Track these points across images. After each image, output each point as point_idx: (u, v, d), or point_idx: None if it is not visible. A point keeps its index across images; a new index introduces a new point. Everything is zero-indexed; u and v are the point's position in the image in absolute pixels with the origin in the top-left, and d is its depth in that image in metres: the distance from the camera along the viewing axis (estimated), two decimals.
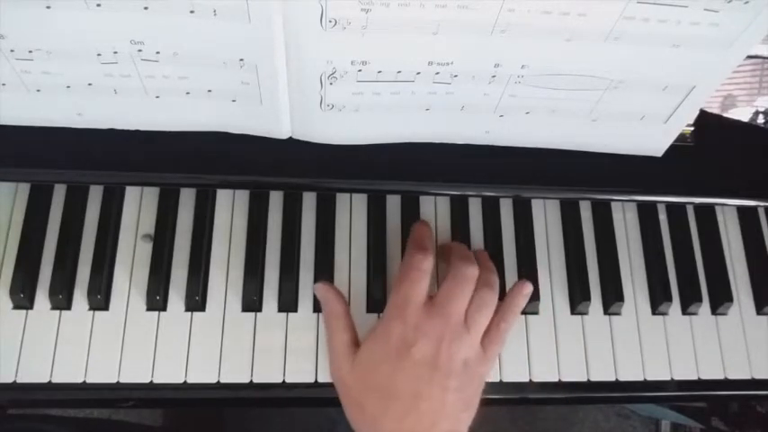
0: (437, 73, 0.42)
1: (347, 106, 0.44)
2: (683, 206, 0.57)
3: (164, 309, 0.49)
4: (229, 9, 0.37)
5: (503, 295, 0.50)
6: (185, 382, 0.48)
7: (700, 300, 0.54)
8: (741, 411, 0.71)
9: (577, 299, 0.53)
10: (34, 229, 0.50)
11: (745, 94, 0.56)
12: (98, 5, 0.37)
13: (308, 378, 0.49)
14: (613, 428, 1.13)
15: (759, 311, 0.55)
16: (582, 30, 0.39)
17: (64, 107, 0.45)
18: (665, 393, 0.53)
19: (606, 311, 0.53)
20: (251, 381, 0.48)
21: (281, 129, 0.46)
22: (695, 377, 0.52)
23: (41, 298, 0.49)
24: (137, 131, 0.47)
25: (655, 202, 0.56)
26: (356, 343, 0.48)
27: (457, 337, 0.45)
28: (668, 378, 0.52)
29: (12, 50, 0.40)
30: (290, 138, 0.48)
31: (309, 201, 0.53)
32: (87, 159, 0.47)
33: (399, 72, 0.42)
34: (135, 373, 0.48)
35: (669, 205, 0.57)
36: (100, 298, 0.48)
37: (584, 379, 0.51)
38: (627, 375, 0.52)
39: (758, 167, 0.54)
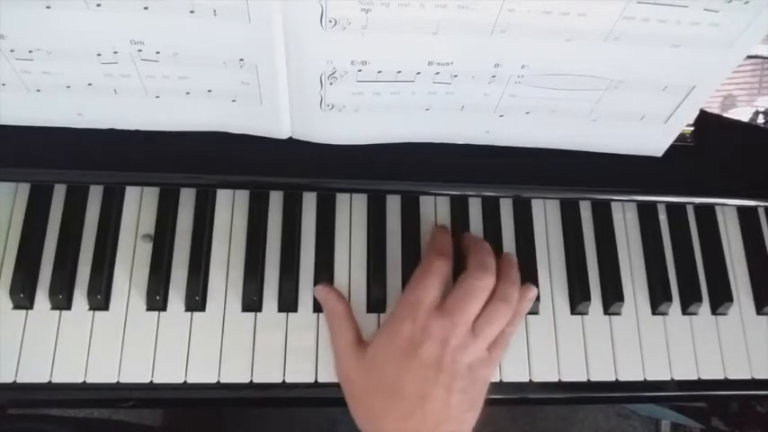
0: (437, 73, 0.42)
1: (347, 106, 0.44)
2: (683, 206, 0.57)
3: (164, 309, 0.49)
4: (229, 9, 0.37)
5: None
6: (185, 382, 0.48)
7: (700, 300, 0.54)
8: (741, 411, 0.71)
9: (577, 299, 0.53)
10: (34, 229, 0.50)
11: (745, 94, 0.56)
12: (98, 5, 0.37)
13: (308, 378, 0.49)
14: (613, 428, 1.13)
15: (759, 311, 0.55)
16: (582, 30, 0.39)
17: (64, 107, 0.45)
18: (665, 393, 0.53)
19: (606, 311, 0.53)
20: (251, 381, 0.48)
21: (281, 129, 0.46)
22: (695, 377, 0.52)
23: (41, 298, 0.49)
24: (137, 131, 0.47)
25: (655, 202, 0.56)
26: (360, 341, 0.48)
27: (463, 344, 0.45)
28: (668, 378, 0.52)
29: (12, 50, 0.40)
30: (290, 138, 0.48)
31: (309, 201, 0.53)
32: (87, 159, 0.47)
33: (399, 72, 0.42)
34: (135, 373, 0.48)
35: (669, 205, 0.57)
36: (100, 298, 0.48)
37: (584, 379, 0.51)
38: (627, 375, 0.52)
39: (758, 167, 0.54)
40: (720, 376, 0.53)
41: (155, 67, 0.41)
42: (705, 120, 0.52)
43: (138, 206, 0.52)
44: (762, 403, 0.68)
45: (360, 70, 0.41)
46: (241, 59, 0.41)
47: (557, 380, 0.51)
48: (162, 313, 0.49)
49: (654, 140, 0.50)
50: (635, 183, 0.52)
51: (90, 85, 0.43)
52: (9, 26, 0.38)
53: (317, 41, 0.39)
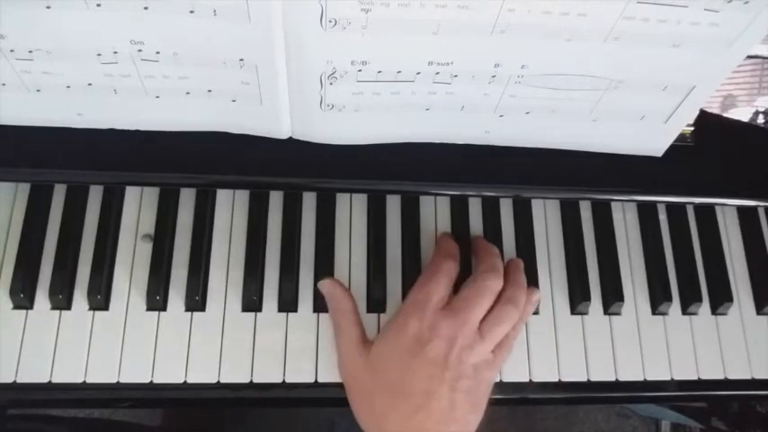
0: (437, 73, 0.42)
1: (347, 106, 0.44)
2: (683, 206, 0.57)
3: (164, 309, 0.49)
4: (229, 9, 0.37)
5: None
6: (185, 382, 0.48)
7: (700, 300, 0.54)
8: (741, 411, 0.71)
9: (577, 299, 0.53)
10: (34, 229, 0.50)
11: (745, 94, 0.56)
12: (98, 5, 0.37)
13: (308, 378, 0.49)
14: (613, 428, 1.13)
15: (759, 311, 0.55)
16: (582, 30, 0.39)
17: (64, 107, 0.45)
18: (665, 393, 0.53)
19: (606, 311, 0.53)
20: (251, 381, 0.48)
21: (281, 129, 0.46)
22: (695, 377, 0.52)
23: (41, 298, 0.49)
24: (137, 131, 0.47)
25: (655, 202, 0.56)
26: (364, 339, 0.48)
27: (469, 345, 0.45)
28: (668, 378, 0.52)
29: (12, 50, 0.40)
30: (290, 138, 0.48)
31: (309, 201, 0.53)
32: (87, 159, 0.47)
33: (399, 72, 0.42)
34: (135, 373, 0.48)
35: (669, 205, 0.57)
36: (100, 298, 0.48)
37: (585, 379, 0.51)
38: (627, 375, 0.52)
39: (758, 167, 0.54)
40: (720, 376, 0.53)
41: (155, 67, 0.41)
42: (705, 120, 0.52)
43: (138, 206, 0.52)
44: (762, 403, 0.68)
45: (360, 70, 0.41)
46: (241, 59, 0.41)
47: (557, 380, 0.51)
48: (162, 313, 0.49)
49: (654, 140, 0.50)
50: (635, 183, 0.52)
51: (90, 85, 0.43)
52: (9, 26, 0.38)
53: (317, 41, 0.39)
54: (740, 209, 0.58)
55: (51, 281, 0.49)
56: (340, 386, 0.48)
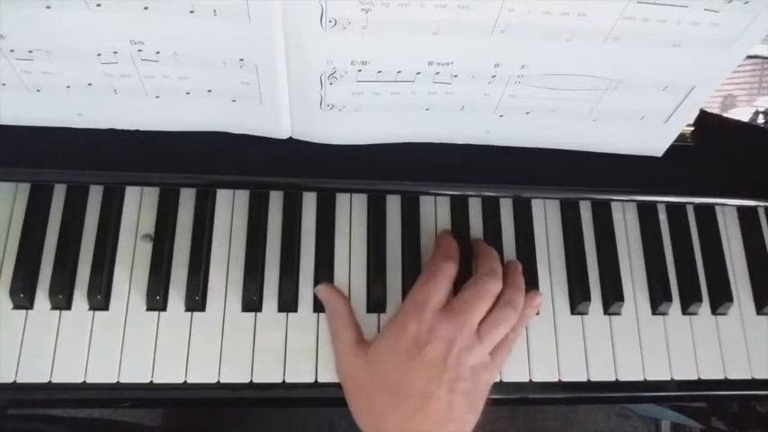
0: (437, 73, 0.42)
1: (347, 106, 0.44)
2: (683, 206, 0.57)
3: (164, 309, 0.49)
4: (229, 9, 0.37)
5: None
6: (185, 382, 0.48)
7: (700, 300, 0.54)
8: (741, 411, 0.71)
9: (577, 299, 0.53)
10: (34, 229, 0.50)
11: (745, 94, 0.56)
12: (98, 5, 0.37)
13: (308, 378, 0.49)
14: (613, 428, 1.13)
15: (759, 311, 0.55)
16: (582, 30, 0.39)
17: (64, 107, 0.45)
18: (665, 393, 0.53)
19: (606, 311, 0.53)
20: (251, 381, 0.48)
21: (281, 129, 0.46)
22: (695, 377, 0.52)
23: (41, 298, 0.49)
24: (137, 131, 0.47)
25: (655, 202, 0.56)
26: (361, 340, 0.48)
27: (467, 346, 0.45)
28: (668, 378, 0.52)
29: (12, 50, 0.40)
30: (290, 138, 0.48)
31: (309, 201, 0.53)
32: (87, 159, 0.47)
33: (399, 72, 0.42)
34: (135, 373, 0.48)
35: (669, 205, 0.57)
36: (100, 298, 0.48)
37: (585, 379, 0.51)
38: (627, 375, 0.52)
39: (758, 167, 0.54)
40: (720, 376, 0.53)
41: (155, 67, 0.41)
42: (705, 120, 0.52)
43: (138, 206, 0.52)
44: (762, 403, 0.68)
45: (360, 70, 0.41)
46: (241, 59, 0.41)
47: (557, 380, 0.51)
48: (162, 313, 0.49)
49: (654, 140, 0.50)
50: (635, 183, 0.52)
51: (90, 84, 0.43)
52: (9, 26, 0.38)
53: (316, 41, 0.39)
54: (740, 209, 0.58)
55: (51, 281, 0.49)
56: (340, 386, 0.48)
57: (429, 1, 0.36)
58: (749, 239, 0.57)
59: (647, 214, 0.56)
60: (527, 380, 0.51)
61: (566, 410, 1.10)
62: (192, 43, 0.40)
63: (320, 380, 0.49)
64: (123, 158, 0.47)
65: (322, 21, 0.37)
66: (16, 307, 0.48)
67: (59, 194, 0.52)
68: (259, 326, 0.50)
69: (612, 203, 0.56)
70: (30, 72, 0.41)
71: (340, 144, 0.48)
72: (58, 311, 0.49)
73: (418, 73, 0.42)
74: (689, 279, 0.55)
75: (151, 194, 0.52)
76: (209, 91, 0.44)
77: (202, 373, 0.48)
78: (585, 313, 0.53)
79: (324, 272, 0.51)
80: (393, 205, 0.54)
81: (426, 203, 0.55)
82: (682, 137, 0.50)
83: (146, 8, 0.37)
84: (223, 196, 0.53)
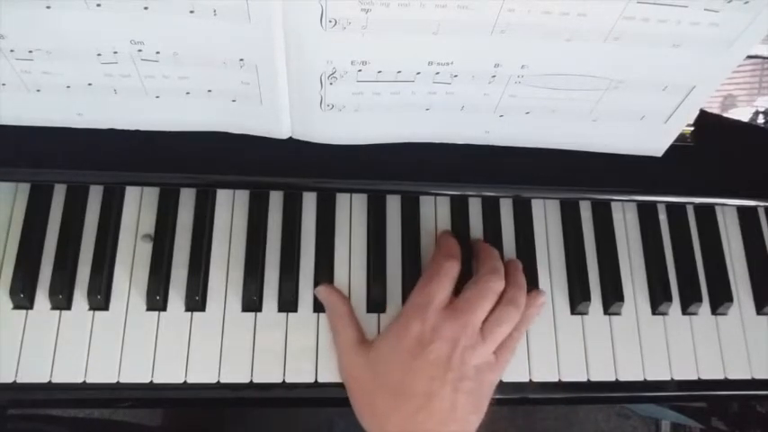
0: (437, 73, 0.42)
1: (347, 106, 0.44)
2: (683, 206, 0.57)
3: (164, 309, 0.49)
4: (229, 9, 0.37)
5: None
6: (185, 382, 0.48)
7: (700, 300, 0.54)
8: (741, 411, 0.71)
9: (577, 299, 0.53)
10: (34, 229, 0.50)
11: (745, 94, 0.56)
12: (98, 5, 0.37)
13: (308, 378, 0.49)
14: (613, 428, 1.13)
15: (759, 311, 0.55)
16: (582, 30, 0.39)
17: (64, 107, 0.45)
18: (665, 393, 0.53)
19: (606, 311, 0.53)
20: (251, 381, 0.48)
21: (281, 129, 0.46)
22: (695, 377, 0.52)
23: (41, 298, 0.49)
24: (137, 131, 0.47)
25: (655, 202, 0.56)
26: (363, 340, 0.48)
27: (471, 345, 0.45)
28: (668, 378, 0.52)
29: (12, 50, 0.40)
30: (290, 138, 0.48)
31: (309, 201, 0.53)
32: (87, 159, 0.47)
33: (399, 72, 0.42)
34: (135, 373, 0.48)
35: (669, 205, 0.57)
36: (100, 298, 0.48)
37: (585, 379, 0.51)
38: (627, 375, 0.52)
39: (758, 167, 0.54)
40: (720, 376, 0.53)
41: (155, 67, 0.41)
42: (705, 120, 0.52)
43: (138, 206, 0.52)
44: (762, 403, 0.68)
45: (360, 70, 0.41)
46: (241, 59, 0.41)
47: (557, 380, 0.51)
48: (162, 313, 0.49)
49: (654, 140, 0.50)
50: (635, 183, 0.52)
51: (90, 85, 0.43)
52: (9, 26, 0.38)
53: (317, 41, 0.39)
54: (740, 209, 0.58)
55: (51, 281, 0.49)
56: (340, 386, 0.48)
57: (429, 1, 0.36)
58: (749, 239, 0.57)
59: (647, 214, 0.56)
60: (527, 380, 0.51)
61: (566, 410, 1.10)
62: (191, 43, 0.40)
63: (320, 380, 0.49)
64: (123, 158, 0.47)
65: (322, 21, 0.37)
66: (16, 307, 0.48)
67: (59, 194, 0.52)
68: (259, 326, 0.50)
69: (612, 203, 0.56)
70: (30, 72, 0.41)
71: (340, 144, 0.48)
72: (58, 311, 0.49)
73: (418, 73, 0.42)
74: (689, 279, 0.55)
75: (151, 194, 0.52)
76: (209, 91, 0.44)
77: (202, 373, 0.48)
78: (585, 313, 0.53)
79: (324, 272, 0.51)
80: (393, 205, 0.54)
81: (426, 203, 0.55)
82: (682, 137, 0.50)
83: (146, 8, 0.37)
84: (223, 196, 0.53)
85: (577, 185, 0.52)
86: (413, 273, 0.52)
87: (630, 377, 0.52)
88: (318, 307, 0.50)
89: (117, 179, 0.49)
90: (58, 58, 0.40)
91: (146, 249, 0.51)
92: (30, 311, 0.48)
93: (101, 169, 0.47)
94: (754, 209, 0.58)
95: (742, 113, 0.56)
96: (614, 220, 0.56)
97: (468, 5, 0.37)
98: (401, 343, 0.45)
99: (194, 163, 0.48)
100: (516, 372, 0.51)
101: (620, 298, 0.53)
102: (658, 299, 0.53)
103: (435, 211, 0.55)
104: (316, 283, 0.51)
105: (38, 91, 0.43)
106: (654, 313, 0.54)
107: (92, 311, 0.49)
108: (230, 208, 0.53)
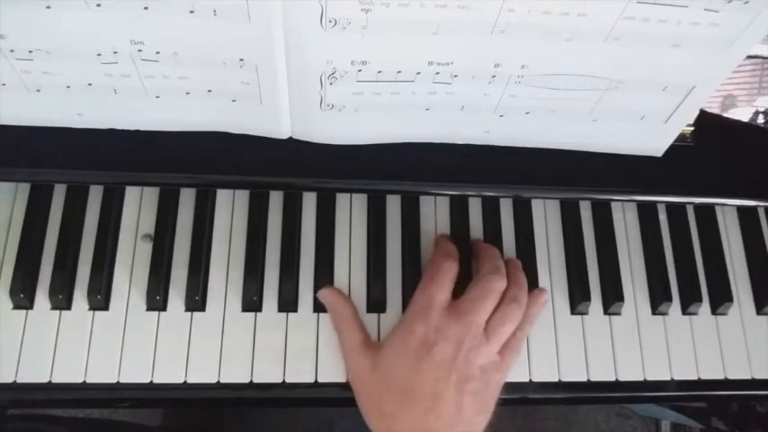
0: (437, 73, 0.42)
1: (347, 106, 0.44)
2: (683, 206, 0.57)
3: (164, 309, 0.49)
4: (229, 9, 0.37)
5: None
6: (185, 382, 0.48)
7: (700, 300, 0.54)
8: (741, 411, 0.71)
9: (577, 299, 0.53)
10: (34, 229, 0.50)
11: (745, 94, 0.56)
12: (98, 5, 0.37)
13: (308, 378, 0.49)
14: (613, 428, 1.13)
15: (759, 311, 0.55)
16: (582, 30, 0.39)
17: (64, 107, 0.45)
18: (665, 393, 0.53)
19: (606, 311, 0.53)
20: (251, 381, 0.48)
21: (281, 129, 0.46)
22: (695, 377, 0.52)
23: (41, 298, 0.49)
24: (137, 131, 0.47)
25: (655, 202, 0.56)
26: (369, 342, 0.48)
27: (476, 345, 0.45)
28: (668, 378, 0.52)
29: (12, 50, 0.40)
30: (290, 138, 0.48)
31: (309, 201, 0.53)
32: (87, 159, 0.47)
33: (399, 72, 0.42)
34: (135, 373, 0.48)
35: (669, 205, 0.57)
36: (100, 298, 0.48)
37: (585, 379, 0.51)
38: (627, 375, 0.52)
39: (758, 167, 0.54)
40: (720, 376, 0.53)
41: (155, 67, 0.41)
42: (705, 120, 0.52)
43: (138, 206, 0.52)
44: (762, 403, 0.68)
45: (360, 70, 0.41)
46: (241, 59, 0.41)
47: (557, 380, 0.51)
48: (162, 313, 0.49)
49: (654, 140, 0.50)
50: (635, 183, 0.52)
51: (90, 85, 0.43)
52: (9, 26, 0.38)
53: (317, 41, 0.39)
54: (740, 209, 0.58)
55: (51, 281, 0.49)
56: (340, 386, 0.48)
57: (429, 1, 0.36)
58: (749, 239, 0.57)
59: (647, 214, 0.56)
60: (527, 380, 0.51)
61: (566, 410, 1.10)
62: (192, 43, 0.40)
63: (320, 380, 0.49)
64: (123, 158, 0.47)
65: (322, 21, 0.37)
66: (16, 307, 0.48)
67: (59, 194, 0.52)
68: (259, 326, 0.50)
69: (612, 203, 0.56)
70: (30, 72, 0.41)
71: (340, 144, 0.48)
72: (58, 311, 0.49)
73: (418, 73, 0.42)
74: (689, 279, 0.55)
75: (151, 194, 0.52)
76: (209, 91, 0.44)
77: (202, 373, 0.48)
78: (585, 313, 0.53)
79: (324, 272, 0.51)
80: (393, 205, 0.54)
81: (426, 203, 0.55)
82: (682, 137, 0.50)
83: (146, 8, 0.37)
84: (223, 196, 0.53)
85: (577, 185, 0.52)
86: (413, 273, 0.52)
87: (630, 377, 0.52)
88: (318, 307, 0.50)
89: (117, 179, 0.49)
90: (58, 58, 0.40)
91: (146, 249, 0.51)
92: (30, 311, 0.48)
93: (101, 169, 0.47)
94: (754, 209, 0.58)
95: (742, 113, 0.56)
96: (614, 220, 0.56)
97: (468, 5, 0.37)
98: (406, 345, 0.45)
99: (194, 163, 0.48)
100: (516, 372, 0.50)
101: (620, 298, 0.53)
102: (658, 299, 0.53)
103: (435, 211, 0.55)
104: (316, 283, 0.51)
105: (38, 91, 0.43)
106: (654, 313, 0.54)
107: (92, 311, 0.49)
108: (230, 208, 0.53)
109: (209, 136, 0.47)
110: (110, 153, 0.47)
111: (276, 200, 0.53)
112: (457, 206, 0.55)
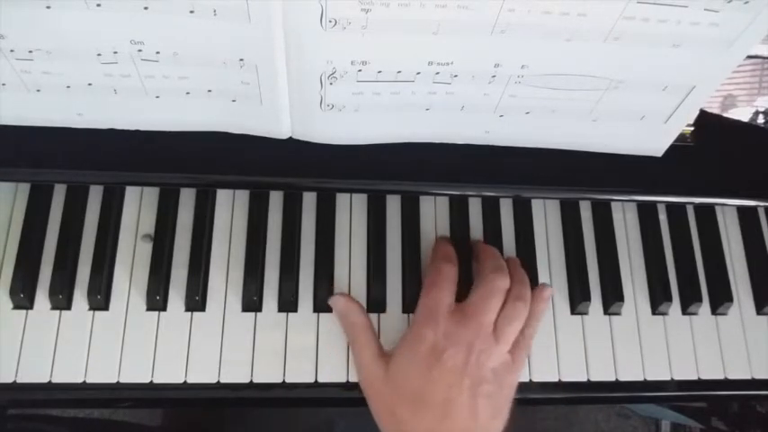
0: (437, 73, 0.42)
1: (347, 106, 0.44)
2: (683, 206, 0.57)
3: (164, 309, 0.49)
4: (229, 9, 0.37)
5: None
6: (185, 382, 0.48)
7: (700, 300, 0.54)
8: (741, 411, 0.71)
9: (577, 299, 0.53)
10: (34, 229, 0.50)
11: (745, 94, 0.56)
12: (98, 5, 0.37)
13: (308, 378, 0.49)
14: (613, 428, 1.13)
15: (759, 311, 0.55)
16: (582, 30, 0.39)
17: (64, 107, 0.45)
18: (665, 393, 0.53)
19: (606, 311, 0.53)
20: (251, 381, 0.48)
21: (281, 129, 0.46)
22: (695, 377, 0.52)
23: (41, 298, 0.49)
24: (137, 131, 0.47)
25: (655, 202, 0.56)
26: (382, 352, 0.48)
27: (486, 348, 0.45)
28: (668, 378, 0.52)
29: (12, 50, 0.40)
30: (290, 138, 0.48)
31: (309, 201, 0.53)
32: (87, 159, 0.47)
33: (399, 72, 0.42)
34: (135, 373, 0.48)
35: (669, 205, 0.57)
36: (100, 298, 0.48)
37: (585, 379, 0.51)
38: (627, 375, 0.52)
39: (758, 167, 0.54)
40: (720, 376, 0.53)
41: (155, 67, 0.41)
42: (705, 120, 0.52)
43: (138, 206, 0.52)
44: (762, 403, 0.67)
45: (360, 70, 0.41)
46: (241, 59, 0.41)
47: (557, 380, 0.51)
48: (162, 313, 0.49)
49: (654, 140, 0.50)
50: (635, 183, 0.52)
51: (90, 84, 0.43)
52: (9, 26, 0.38)
53: (316, 41, 0.39)
54: (740, 209, 0.58)
55: (51, 281, 0.49)
56: (340, 386, 0.48)
57: (429, 1, 0.36)
58: (749, 239, 0.57)
59: (647, 214, 0.56)
60: (527, 380, 0.51)
61: (566, 410, 1.10)
62: (192, 43, 0.40)
63: (320, 380, 0.49)
64: (123, 158, 0.47)
65: (322, 21, 0.37)
66: (16, 307, 0.48)
67: (59, 194, 0.52)
68: (259, 326, 0.50)
69: (612, 203, 0.56)
70: (30, 72, 0.41)
71: (340, 144, 0.48)
72: (57, 311, 0.49)
73: (418, 73, 0.42)
74: (689, 279, 0.55)
75: (151, 194, 0.52)
76: (210, 91, 0.44)
77: (202, 373, 0.48)
78: (585, 313, 0.53)
79: (324, 272, 0.51)
80: (393, 205, 0.54)
81: (426, 203, 0.55)
82: (682, 137, 0.50)
83: (146, 8, 0.37)
84: (223, 196, 0.53)
85: (577, 185, 0.52)
86: (413, 273, 0.52)
87: (630, 377, 0.52)
88: (318, 307, 0.50)
89: (117, 179, 0.49)
90: (57, 58, 0.40)
91: (146, 249, 0.51)
92: (30, 311, 0.48)
93: (101, 169, 0.47)
94: (754, 209, 0.58)
95: (742, 113, 0.56)
96: (614, 220, 0.56)
97: (468, 5, 0.37)
98: (417, 353, 0.45)
99: (194, 163, 0.48)
100: None
101: (620, 298, 0.53)
102: (658, 299, 0.53)
103: (435, 211, 0.55)
104: (316, 283, 0.51)
105: (38, 91, 0.43)
106: (654, 313, 0.54)
107: (92, 311, 0.49)
108: (230, 208, 0.53)
109: (209, 136, 0.47)
110: (110, 153, 0.47)
111: (276, 200, 0.53)
112: (457, 206, 0.55)
